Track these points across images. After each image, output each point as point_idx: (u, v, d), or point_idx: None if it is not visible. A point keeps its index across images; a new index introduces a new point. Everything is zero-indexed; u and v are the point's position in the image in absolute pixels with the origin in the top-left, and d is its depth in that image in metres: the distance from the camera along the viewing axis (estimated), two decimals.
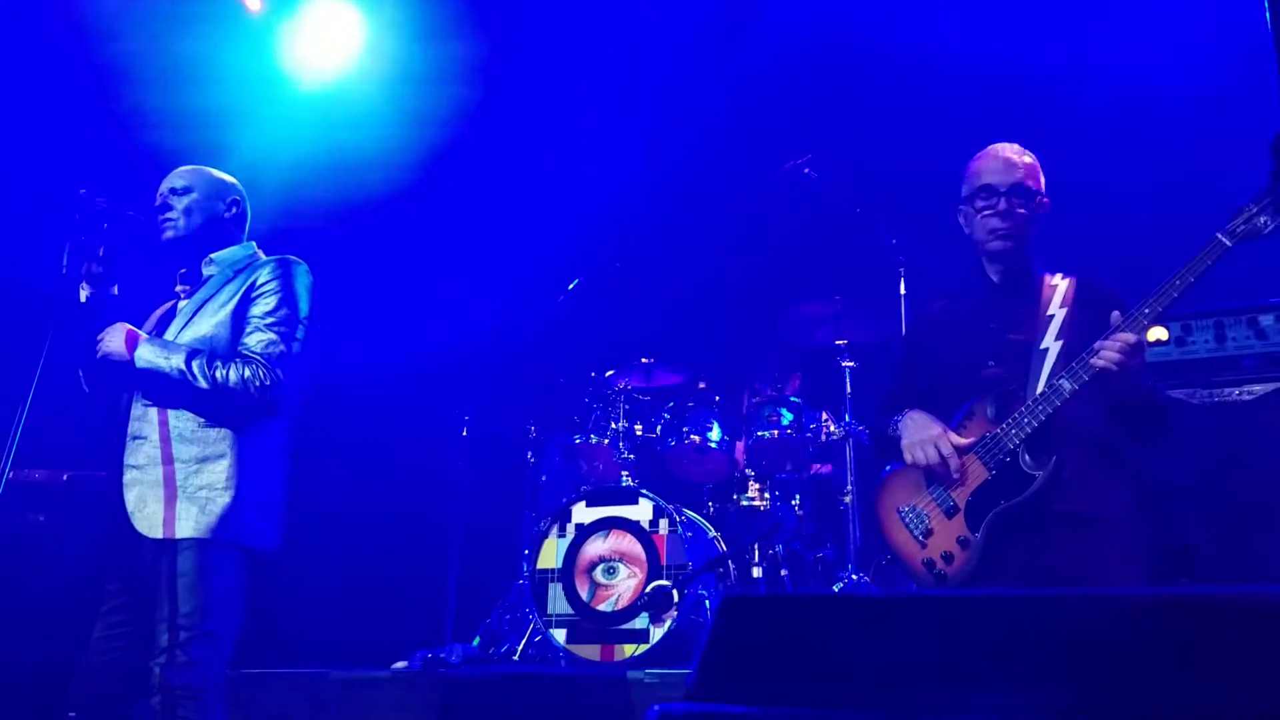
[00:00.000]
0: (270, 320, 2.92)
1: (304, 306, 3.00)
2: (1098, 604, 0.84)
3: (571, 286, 5.22)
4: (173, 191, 3.07)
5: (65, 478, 4.04)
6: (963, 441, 2.73)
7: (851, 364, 4.78)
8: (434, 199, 5.82)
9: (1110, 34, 4.91)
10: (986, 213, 2.86)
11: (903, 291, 4.56)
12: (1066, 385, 2.60)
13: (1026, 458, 2.64)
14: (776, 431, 4.82)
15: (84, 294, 2.87)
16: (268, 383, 2.84)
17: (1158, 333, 3.76)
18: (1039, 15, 5.04)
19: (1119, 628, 0.84)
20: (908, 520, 2.79)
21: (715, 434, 4.89)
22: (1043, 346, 2.75)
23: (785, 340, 5.09)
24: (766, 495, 4.89)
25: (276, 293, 2.96)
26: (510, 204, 5.94)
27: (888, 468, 2.94)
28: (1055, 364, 2.70)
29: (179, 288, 3.11)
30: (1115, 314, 2.58)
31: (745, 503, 4.91)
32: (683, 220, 5.74)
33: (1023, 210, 2.84)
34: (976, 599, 0.89)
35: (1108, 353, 2.53)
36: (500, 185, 5.95)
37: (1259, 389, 3.56)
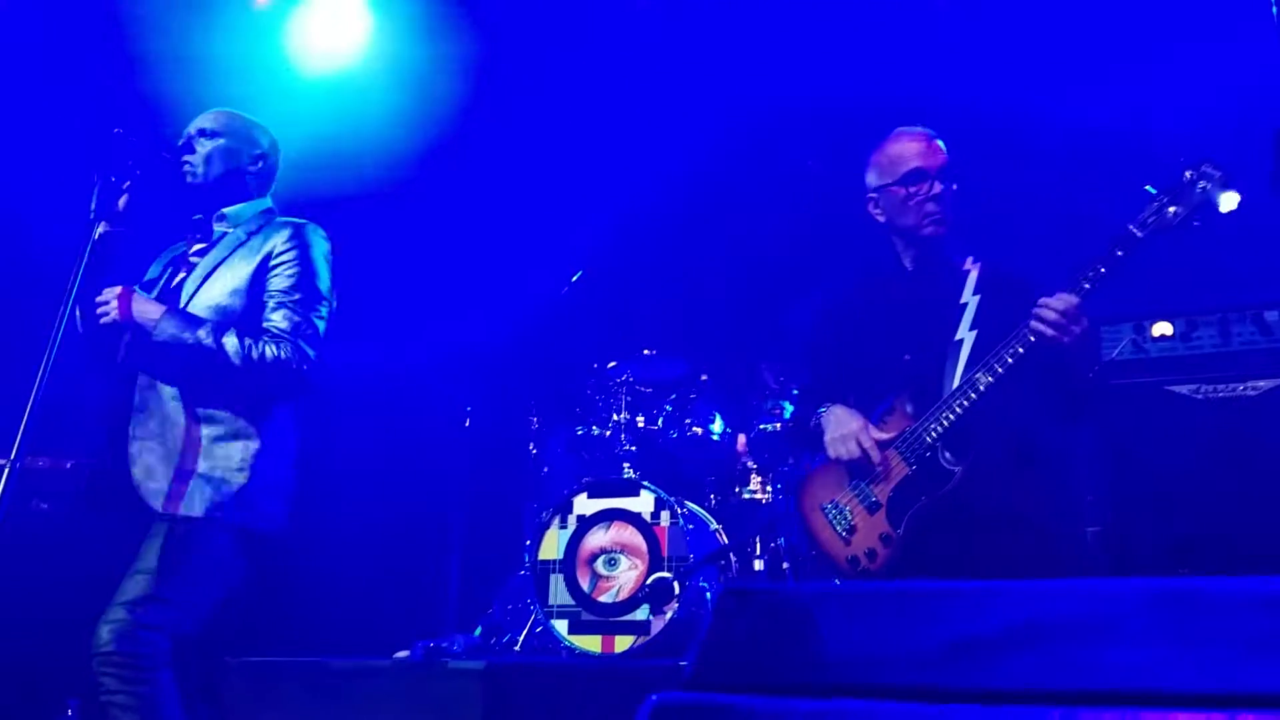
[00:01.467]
0: (296, 297, 2.81)
1: (325, 281, 2.89)
2: (1097, 592, 0.84)
3: (575, 279, 5.21)
4: (200, 133, 2.94)
5: (69, 465, 4.03)
6: (883, 436, 2.69)
7: None
8: (439, 190, 5.81)
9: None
10: (919, 197, 2.81)
11: None
12: (983, 378, 2.56)
13: (946, 454, 2.60)
14: (779, 424, 4.82)
15: (99, 231, 2.73)
16: (304, 367, 2.75)
17: (1163, 328, 3.75)
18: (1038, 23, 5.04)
19: (1120, 615, 0.84)
20: (831, 517, 2.76)
21: (718, 426, 4.89)
22: (958, 338, 2.71)
23: (788, 333, 5.08)
24: (769, 488, 4.89)
25: (295, 265, 2.84)
26: (515, 196, 5.92)
27: (813, 464, 2.91)
28: (970, 355, 2.66)
29: (192, 244, 2.99)
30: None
31: (747, 495, 4.90)
32: (686, 213, 5.73)
33: (951, 191, 2.80)
34: (977, 590, 0.89)
35: (1046, 312, 2.49)
36: (505, 177, 5.94)
37: (1263, 385, 3.55)
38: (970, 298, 2.76)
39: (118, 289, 2.74)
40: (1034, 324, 2.51)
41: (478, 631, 4.71)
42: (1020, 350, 2.53)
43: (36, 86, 4.72)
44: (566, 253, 5.49)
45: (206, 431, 2.71)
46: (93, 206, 2.73)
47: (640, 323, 5.52)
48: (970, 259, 2.86)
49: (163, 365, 2.75)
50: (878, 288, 2.96)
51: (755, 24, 5.53)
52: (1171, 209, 2.44)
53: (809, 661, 0.91)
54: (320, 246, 2.92)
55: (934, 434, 2.61)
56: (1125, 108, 4.52)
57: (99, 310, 2.73)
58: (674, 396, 4.98)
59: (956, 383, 2.63)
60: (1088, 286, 2.49)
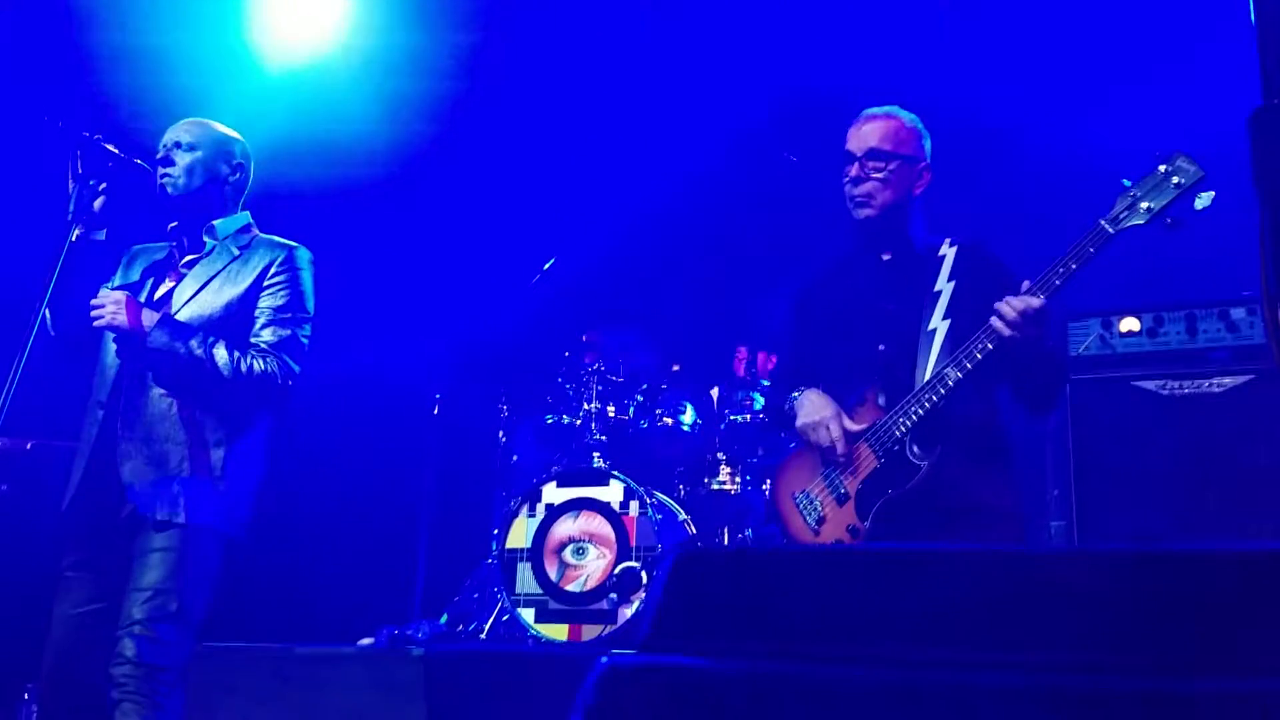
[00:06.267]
0: (286, 316, 2.96)
1: (311, 303, 3.05)
2: (1057, 560, 0.84)
3: (547, 266, 5.19)
4: (177, 145, 2.99)
5: (29, 446, 3.99)
6: (855, 427, 2.66)
7: None
8: (409, 179, 5.77)
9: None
10: (845, 179, 2.80)
11: None
12: (952, 374, 2.52)
13: (914, 448, 2.58)
14: (749, 416, 4.81)
15: (75, 233, 2.79)
16: (289, 381, 2.89)
17: (1130, 324, 3.78)
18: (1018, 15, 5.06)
19: (1078, 582, 0.84)
20: (801, 506, 2.74)
21: (688, 417, 4.88)
22: (930, 327, 2.66)
23: (761, 325, 5.08)
24: (738, 479, 4.89)
25: (287, 286, 2.99)
26: (486, 184, 5.90)
27: (786, 452, 2.89)
28: (943, 346, 2.61)
29: (181, 254, 3.05)
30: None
31: (716, 486, 4.89)
32: (660, 202, 5.72)
33: (878, 175, 2.74)
34: (934, 554, 0.89)
35: (1007, 311, 2.45)
36: (477, 166, 5.91)
37: (1229, 381, 3.59)
38: (944, 285, 2.70)
39: (118, 294, 2.81)
40: (994, 322, 2.47)
41: (444, 619, 4.68)
42: (989, 345, 2.48)
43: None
44: (539, 240, 5.47)
45: (192, 437, 2.80)
46: (70, 209, 2.78)
47: (613, 312, 5.51)
48: (947, 242, 2.81)
49: (154, 371, 2.83)
50: (855, 274, 2.90)
51: (735, 18, 5.52)
52: (1144, 204, 2.37)
53: (765, 624, 0.90)
54: (309, 269, 3.08)
55: (903, 428, 2.58)
56: (1127, 98, 4.53)
57: (93, 313, 2.78)
58: (645, 386, 4.97)
59: (928, 375, 2.58)
60: (1058, 284, 2.44)
